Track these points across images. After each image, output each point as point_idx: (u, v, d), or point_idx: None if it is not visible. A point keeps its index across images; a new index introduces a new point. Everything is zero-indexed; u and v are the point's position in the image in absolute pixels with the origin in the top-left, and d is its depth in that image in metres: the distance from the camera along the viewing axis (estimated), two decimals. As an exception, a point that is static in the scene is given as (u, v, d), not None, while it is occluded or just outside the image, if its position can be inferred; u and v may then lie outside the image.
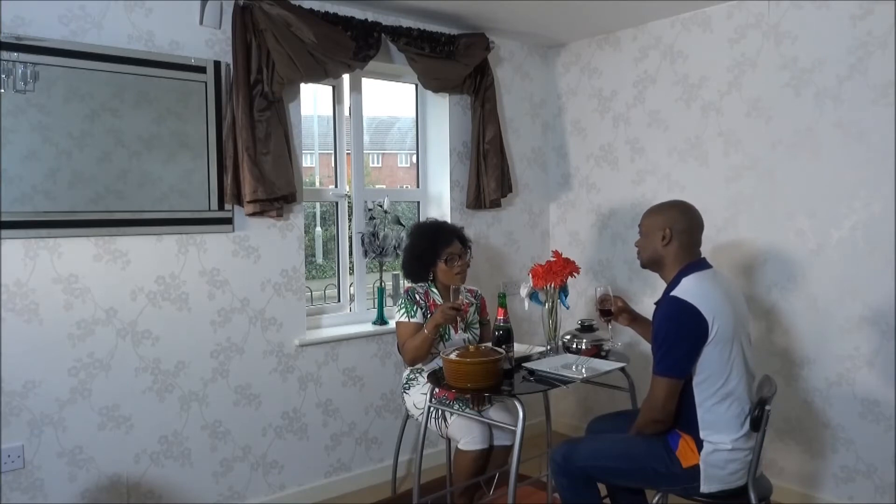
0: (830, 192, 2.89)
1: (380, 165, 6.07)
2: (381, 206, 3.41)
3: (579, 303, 3.85)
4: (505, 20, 3.46)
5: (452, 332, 2.89)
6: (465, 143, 3.69)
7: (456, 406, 2.70)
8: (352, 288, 3.53)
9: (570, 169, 4.00)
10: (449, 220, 3.43)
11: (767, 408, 2.05)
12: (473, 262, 3.06)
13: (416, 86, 3.72)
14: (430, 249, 2.86)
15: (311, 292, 3.59)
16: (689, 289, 2.09)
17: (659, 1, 3.19)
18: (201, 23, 2.78)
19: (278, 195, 2.87)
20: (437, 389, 2.57)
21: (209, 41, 2.82)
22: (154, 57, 2.65)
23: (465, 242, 2.97)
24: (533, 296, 2.92)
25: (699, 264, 2.19)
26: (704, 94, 3.31)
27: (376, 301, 3.47)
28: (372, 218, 3.39)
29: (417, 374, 2.88)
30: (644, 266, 2.32)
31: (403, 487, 3.25)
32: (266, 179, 2.83)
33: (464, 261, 2.90)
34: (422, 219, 3.63)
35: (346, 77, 3.39)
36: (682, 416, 2.11)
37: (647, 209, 2.33)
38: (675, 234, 2.19)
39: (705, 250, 2.29)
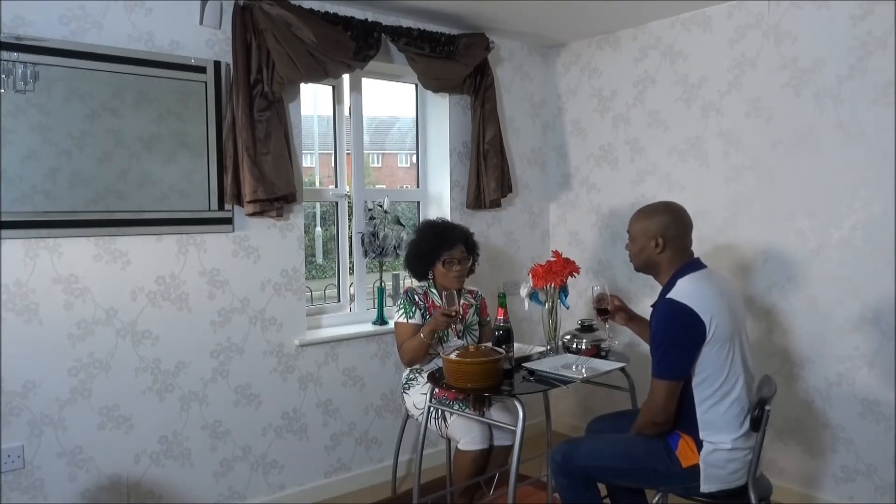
0: (830, 192, 2.89)
1: (380, 165, 6.07)
2: (381, 206, 3.41)
3: (579, 303, 3.85)
4: (505, 20, 3.46)
5: (451, 335, 2.89)
6: (465, 143, 3.69)
7: (456, 406, 2.70)
8: (352, 288, 3.53)
9: (570, 169, 4.00)
10: (449, 220, 3.41)
11: (767, 408, 2.05)
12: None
13: (416, 86, 3.72)
14: (431, 250, 2.86)
15: (311, 292, 3.59)
16: (684, 290, 2.08)
17: (659, 1, 3.19)
18: (201, 23, 2.78)
19: (278, 195, 2.87)
20: (436, 389, 2.57)
21: (209, 41, 2.82)
22: (154, 57, 2.65)
23: (471, 248, 2.96)
24: (533, 296, 2.92)
25: (694, 265, 2.18)
26: (704, 94, 3.31)
27: (376, 301, 3.47)
28: (372, 218, 3.39)
29: (417, 374, 2.88)
30: (638, 270, 2.31)
31: (403, 487, 3.25)
32: (266, 179, 2.83)
33: (463, 266, 2.89)
34: (425, 218, 3.63)
35: (346, 77, 3.39)
36: (682, 416, 2.10)
37: (634, 213, 2.29)
38: (668, 241, 2.17)
39: (705, 250, 2.29)
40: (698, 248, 2.29)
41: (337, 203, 3.48)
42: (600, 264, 3.84)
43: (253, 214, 2.88)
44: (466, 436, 2.65)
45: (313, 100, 3.73)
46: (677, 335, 2.05)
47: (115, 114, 2.57)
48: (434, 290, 2.93)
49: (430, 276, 2.93)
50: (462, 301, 2.87)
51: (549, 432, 3.17)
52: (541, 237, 4.10)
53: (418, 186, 3.81)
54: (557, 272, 2.79)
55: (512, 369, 2.50)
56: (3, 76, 2.33)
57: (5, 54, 2.33)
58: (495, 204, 3.66)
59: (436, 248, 2.85)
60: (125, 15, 2.61)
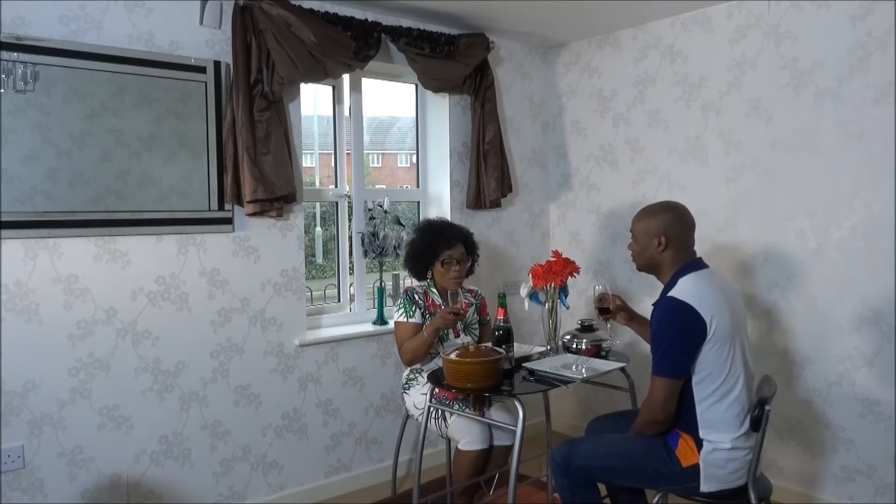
0: (830, 192, 2.89)
1: (380, 165, 6.07)
2: (381, 206, 3.41)
3: (579, 303, 3.85)
4: (505, 20, 3.46)
5: (452, 334, 2.89)
6: (465, 143, 3.69)
7: (456, 406, 2.70)
8: (352, 288, 3.53)
9: (570, 169, 4.00)
10: (448, 220, 3.41)
11: (767, 408, 2.05)
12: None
13: (416, 86, 3.72)
14: (429, 249, 2.86)
15: (311, 292, 3.59)
16: (685, 289, 2.09)
17: (659, 1, 3.19)
18: (201, 23, 2.78)
19: (278, 195, 2.87)
20: (437, 389, 2.57)
21: (209, 41, 2.82)
22: (154, 57, 2.65)
23: (470, 248, 2.95)
24: (533, 296, 2.92)
25: (695, 264, 2.19)
26: (704, 94, 3.31)
27: (376, 301, 3.47)
28: (372, 218, 3.39)
29: (417, 374, 2.88)
30: (640, 270, 2.32)
31: (403, 487, 3.25)
32: (266, 179, 2.83)
33: (462, 266, 2.87)
34: (425, 218, 3.62)
35: (346, 77, 3.39)
36: (682, 416, 2.10)
37: (637, 213, 2.31)
38: (670, 240, 2.18)
39: (705, 250, 2.29)
40: (698, 248, 2.29)
41: (337, 203, 3.48)
42: (600, 264, 3.84)
43: (253, 214, 2.88)
44: (466, 436, 2.65)
45: (313, 100, 3.73)
46: (678, 333, 2.05)
47: (115, 114, 2.57)
48: (434, 290, 2.92)
49: (430, 276, 2.93)
50: (462, 300, 2.87)
51: (549, 432, 3.17)
52: (541, 237, 4.10)
53: (418, 186, 3.81)
54: (557, 272, 2.80)
55: (512, 369, 2.50)
56: (3, 76, 2.33)
57: (5, 54, 2.33)
58: (495, 204, 3.66)
59: (434, 247, 2.85)
60: (125, 15, 2.61)
